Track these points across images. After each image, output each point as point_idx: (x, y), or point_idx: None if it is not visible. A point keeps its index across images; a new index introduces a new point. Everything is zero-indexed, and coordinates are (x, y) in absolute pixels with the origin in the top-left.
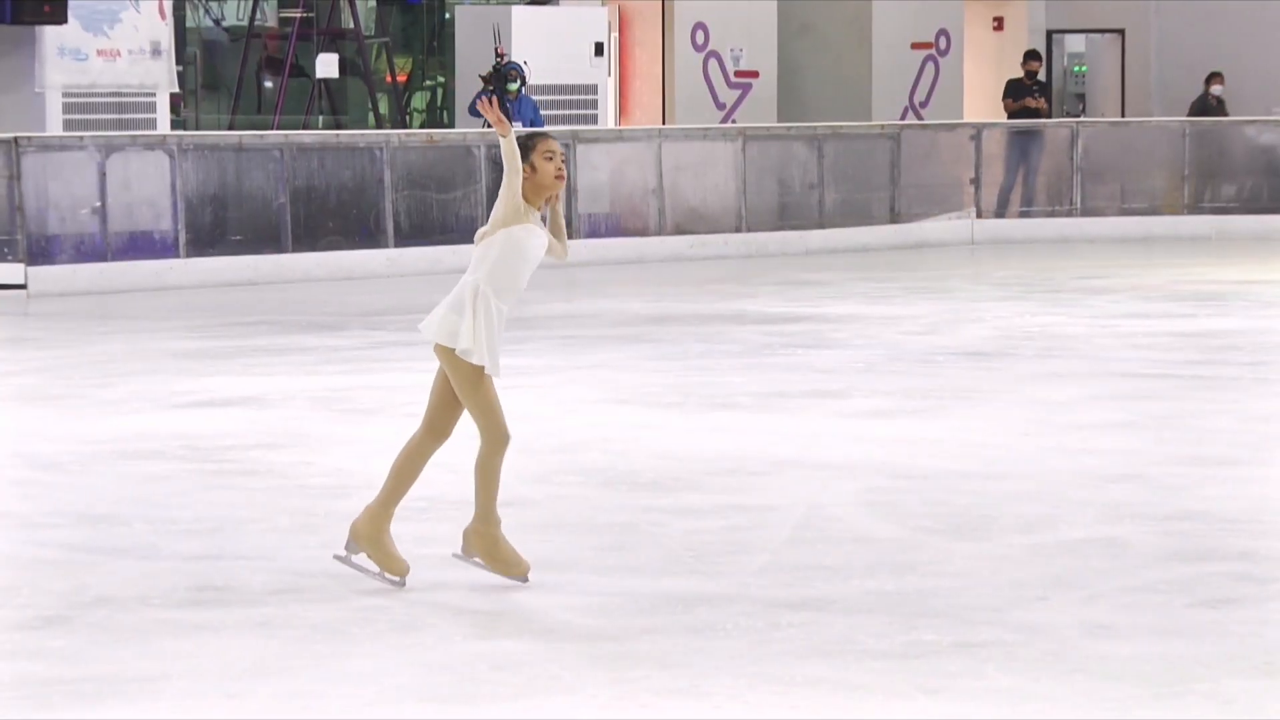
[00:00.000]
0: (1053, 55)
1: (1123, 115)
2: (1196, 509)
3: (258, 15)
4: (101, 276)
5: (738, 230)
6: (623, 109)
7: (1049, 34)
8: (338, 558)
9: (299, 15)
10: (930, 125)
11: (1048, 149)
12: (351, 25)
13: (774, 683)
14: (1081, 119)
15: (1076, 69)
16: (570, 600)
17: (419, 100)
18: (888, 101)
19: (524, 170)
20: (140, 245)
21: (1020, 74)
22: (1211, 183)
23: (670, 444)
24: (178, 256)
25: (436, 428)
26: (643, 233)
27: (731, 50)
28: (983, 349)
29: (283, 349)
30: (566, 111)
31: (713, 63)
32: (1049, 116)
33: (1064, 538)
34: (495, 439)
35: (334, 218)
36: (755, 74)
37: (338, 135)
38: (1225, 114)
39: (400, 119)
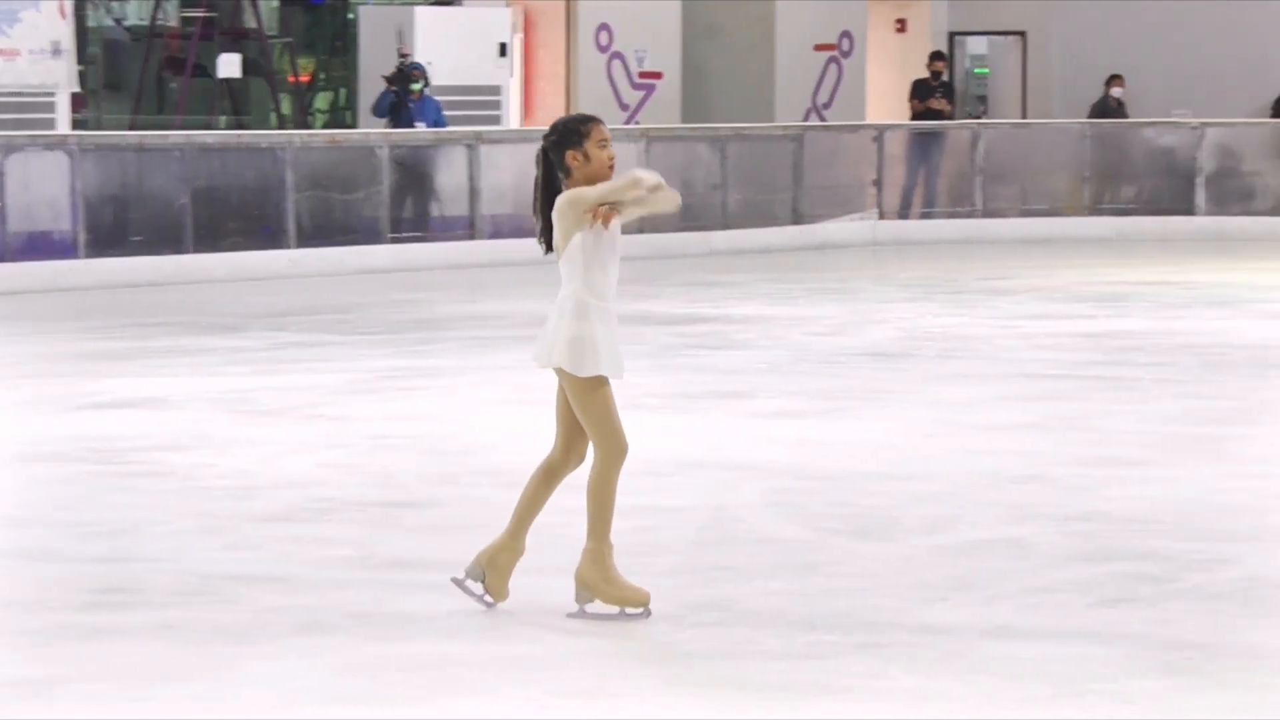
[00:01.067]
0: (955, 57)
1: (1024, 117)
2: (1098, 509)
3: (159, 15)
4: (0, 277)
5: (641, 231)
6: (526, 110)
7: (951, 36)
8: (571, 615)
9: (201, 15)
10: (833, 126)
11: (950, 150)
12: (254, 25)
13: (679, 683)
14: (983, 120)
15: (978, 71)
16: (474, 602)
17: (322, 101)
18: (791, 103)
19: (575, 158)
20: (39, 246)
21: (926, 74)
22: (1112, 184)
23: None
24: (78, 257)
25: (576, 447)
26: None
27: (635, 51)
28: (887, 350)
29: (185, 350)
30: (470, 112)
31: (616, 64)
32: (953, 118)
33: (967, 538)
34: (614, 451)
35: (236, 218)
36: (659, 75)
37: (240, 136)
38: (1125, 116)
39: (303, 119)
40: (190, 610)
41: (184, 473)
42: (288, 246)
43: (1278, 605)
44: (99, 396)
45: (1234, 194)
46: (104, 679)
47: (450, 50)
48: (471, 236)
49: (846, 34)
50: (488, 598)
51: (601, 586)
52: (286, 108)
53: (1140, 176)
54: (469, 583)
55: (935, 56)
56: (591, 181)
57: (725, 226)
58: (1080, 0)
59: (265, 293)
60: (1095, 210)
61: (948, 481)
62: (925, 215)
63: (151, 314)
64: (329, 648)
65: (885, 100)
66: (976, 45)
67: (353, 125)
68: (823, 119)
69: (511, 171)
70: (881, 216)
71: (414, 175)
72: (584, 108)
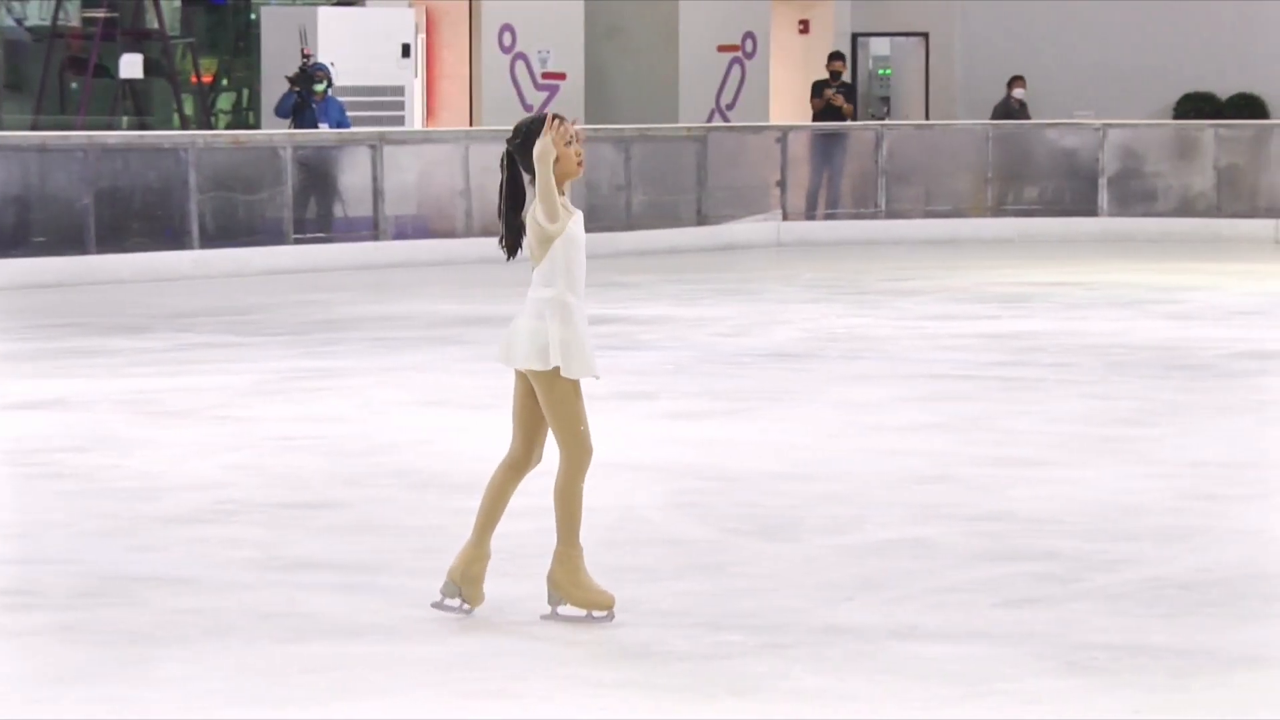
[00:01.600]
0: (858, 58)
1: (927, 118)
2: (1002, 509)
3: (61, 15)
4: None
5: None
6: (430, 110)
7: (854, 37)
8: (545, 617)
9: (103, 15)
10: (737, 127)
11: (853, 151)
12: (156, 25)
13: (584, 684)
14: (886, 122)
15: (881, 72)
16: (380, 603)
17: (224, 101)
18: (695, 104)
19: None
20: None
21: (825, 75)
22: (1015, 185)
23: (482, 446)
24: None
25: (536, 445)
26: (451, 234)
27: (539, 52)
28: (791, 350)
29: (89, 351)
30: (373, 113)
31: (520, 64)
32: (854, 118)
33: (871, 539)
34: (581, 455)
35: (139, 219)
36: (563, 76)
37: (142, 136)
38: (1028, 117)
39: (205, 120)
40: (94, 612)
41: (88, 474)
42: (192, 247)
43: (1181, 605)
44: (2, 398)
45: (1136, 195)
46: (6, 681)
47: (353, 51)
48: (376, 237)
49: (749, 35)
50: (465, 605)
51: (570, 589)
52: (189, 108)
53: (1043, 177)
54: (446, 601)
55: (834, 57)
56: (561, 179)
57: (629, 228)
58: (982, 1)
59: (170, 294)
60: (998, 211)
61: (853, 482)
62: (829, 216)
63: (55, 315)
64: (235, 649)
65: (789, 101)
66: (879, 46)
67: (256, 126)
68: (726, 120)
69: (415, 172)
70: (786, 217)
71: (318, 176)
72: (487, 109)
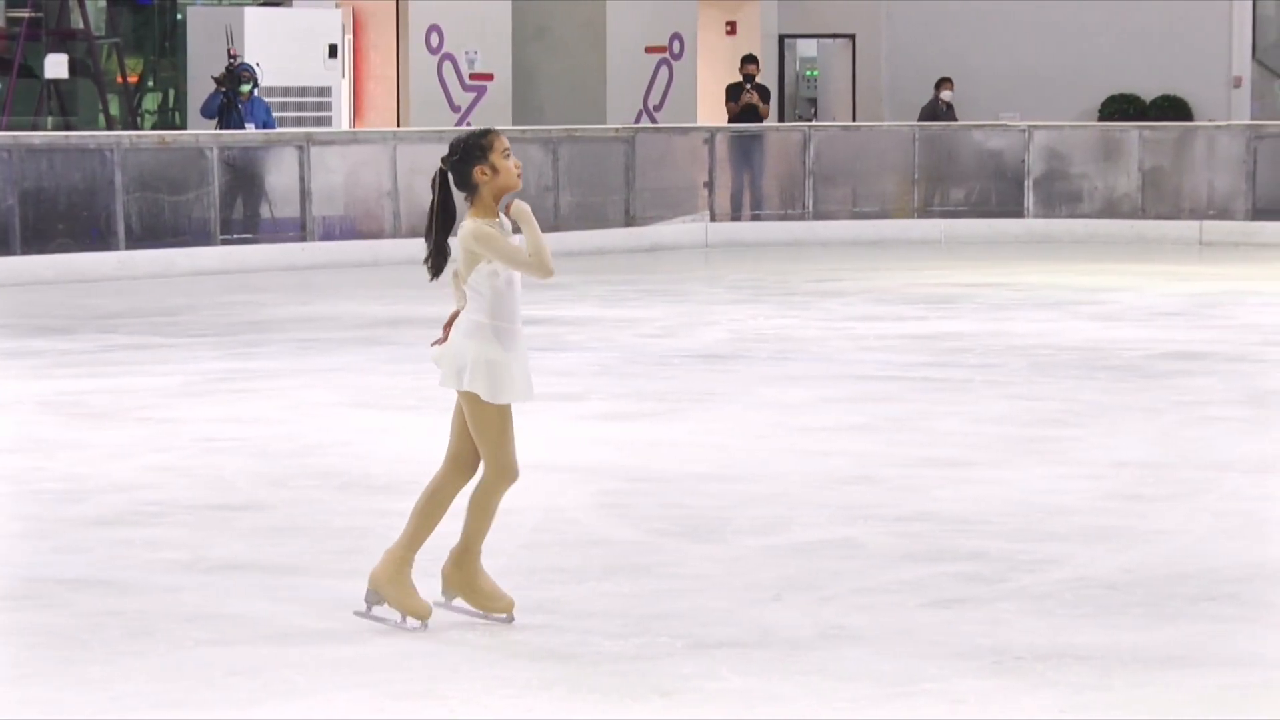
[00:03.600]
0: (785, 60)
1: (854, 120)
2: (928, 510)
3: None
4: None
5: None
6: (357, 111)
7: (781, 38)
8: (358, 614)
9: (27, 15)
10: (664, 129)
11: (780, 153)
12: (81, 25)
13: (510, 685)
14: (813, 123)
15: (808, 73)
16: (306, 604)
17: (150, 101)
18: (622, 105)
19: (484, 174)
20: None
21: (739, 78)
22: (941, 186)
23: (407, 447)
24: None
25: (462, 462)
26: (378, 235)
27: (466, 53)
28: (718, 351)
29: (13, 353)
30: (300, 114)
31: (447, 65)
32: (766, 117)
33: (798, 539)
34: (501, 473)
35: (64, 220)
36: (490, 76)
37: (67, 136)
38: (954, 119)
39: (131, 120)
40: (19, 614)
41: (12, 476)
42: (117, 248)
43: (1105, 605)
44: None
45: (1061, 196)
46: None
47: (280, 51)
48: (303, 238)
49: (677, 36)
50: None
51: (388, 588)
52: (115, 108)
53: (969, 179)
54: (375, 610)
55: (747, 60)
56: (500, 194)
57: (557, 228)
58: (909, 3)
59: (95, 294)
60: (924, 212)
61: (779, 482)
62: (756, 217)
63: None
64: (160, 651)
65: (716, 102)
66: (806, 48)
67: (182, 126)
68: (654, 121)
69: (342, 173)
70: (713, 218)
71: (244, 177)
72: (415, 110)
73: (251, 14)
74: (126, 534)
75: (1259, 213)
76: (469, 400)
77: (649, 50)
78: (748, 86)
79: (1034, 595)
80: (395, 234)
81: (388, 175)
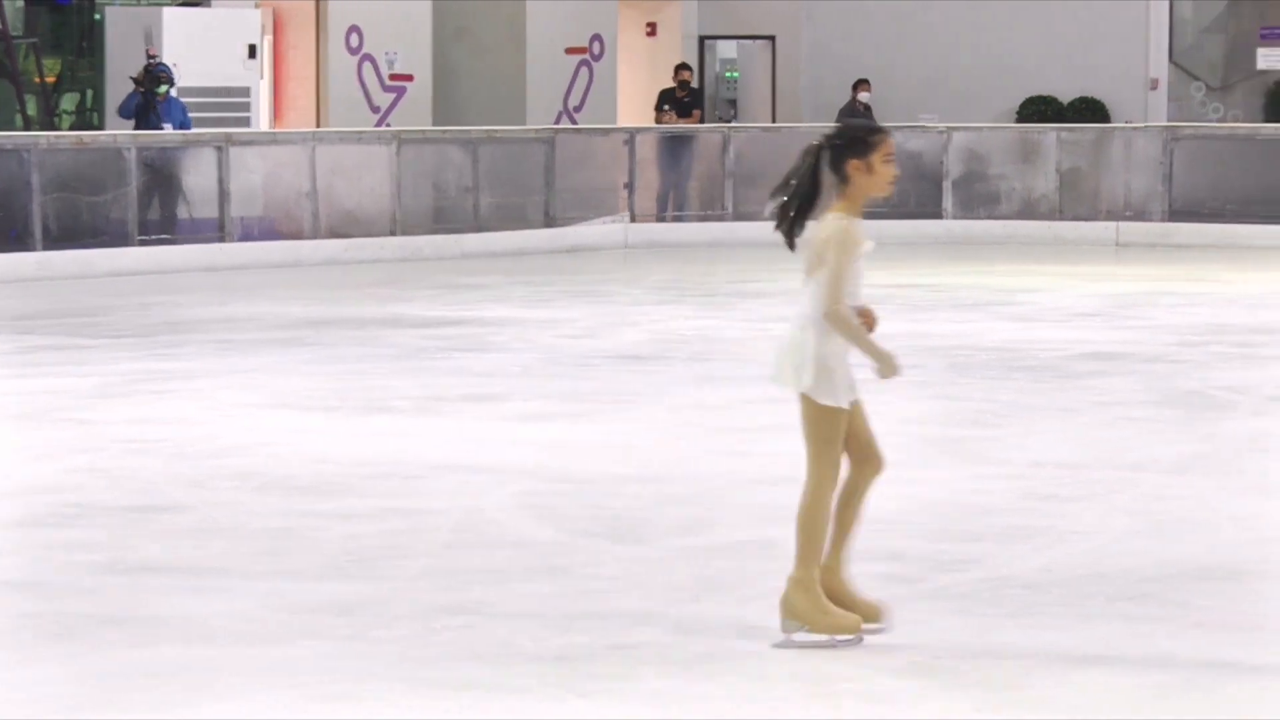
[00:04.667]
0: (705, 61)
1: (774, 121)
2: None
3: None
4: None
5: (393, 234)
6: (277, 112)
7: (701, 40)
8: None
9: None
10: (584, 129)
11: (700, 154)
12: None
13: (431, 686)
14: (733, 124)
15: (727, 75)
16: (227, 605)
17: (68, 102)
18: (542, 105)
19: (858, 168)
20: None
21: (672, 80)
22: None
23: (327, 448)
24: None
25: (862, 457)
26: (298, 236)
27: (386, 54)
28: (639, 352)
29: None
30: (219, 114)
31: (367, 66)
32: (702, 121)
33: (718, 540)
34: (830, 479)
35: None
36: (410, 77)
37: None
38: (873, 120)
39: (48, 121)
40: None
41: None
42: (35, 249)
43: (1024, 605)
44: None
45: (980, 198)
46: None
47: (199, 52)
48: (221, 239)
49: (597, 37)
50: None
51: (813, 615)
52: (32, 109)
53: None
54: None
55: (681, 67)
56: (866, 194)
57: (477, 229)
58: (828, 5)
59: (12, 296)
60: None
61: (699, 483)
62: (676, 218)
63: None
64: (79, 653)
65: (636, 103)
66: (726, 49)
67: (100, 127)
68: (574, 122)
69: (262, 174)
70: (633, 219)
71: (163, 177)
72: (335, 110)
73: (170, 14)
74: (46, 536)
75: (1175, 214)
76: (803, 400)
77: (569, 51)
78: (665, 108)
79: (953, 595)
80: (315, 235)
81: (307, 176)
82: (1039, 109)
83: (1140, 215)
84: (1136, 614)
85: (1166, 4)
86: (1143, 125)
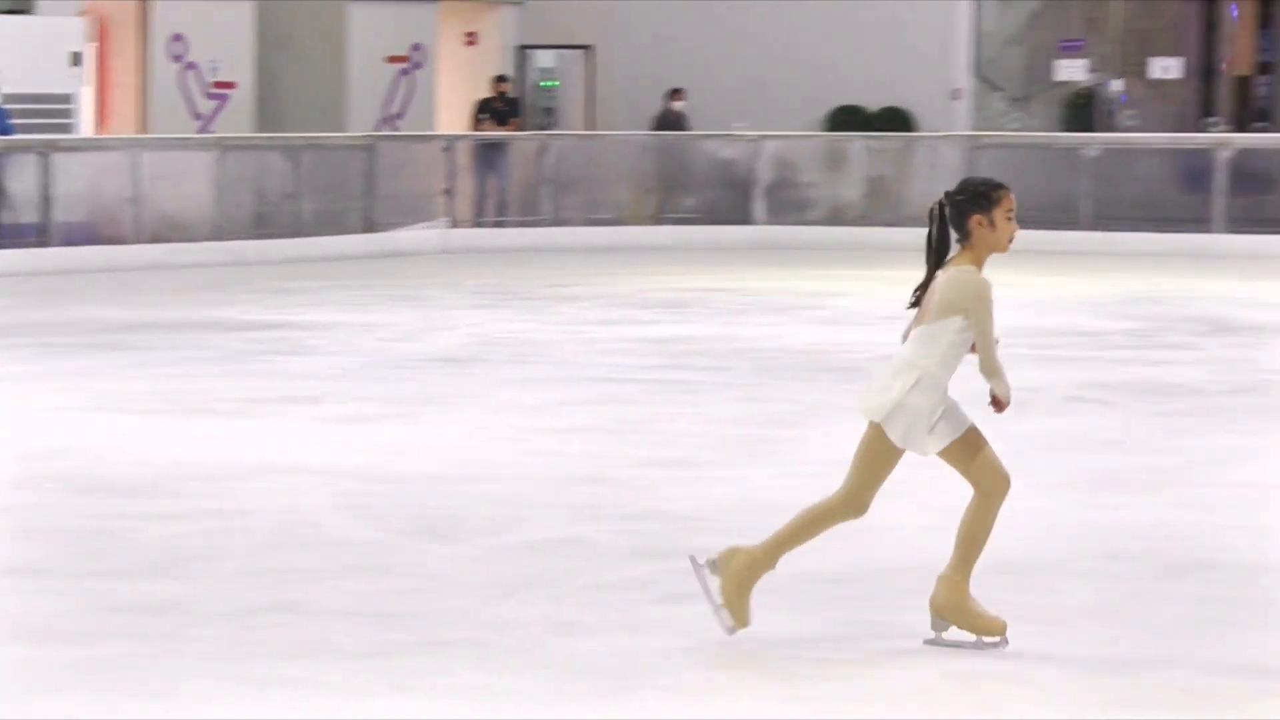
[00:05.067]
0: (524, 70)
1: (591, 129)
2: (659, 509)
3: None
4: None
5: (216, 239)
6: (101, 118)
7: (520, 49)
8: (929, 641)
9: None
10: (405, 136)
11: (519, 160)
12: None
13: (248, 683)
14: (551, 132)
15: (545, 84)
16: (46, 605)
17: None
18: (363, 113)
19: (980, 223)
20: None
21: (491, 89)
22: (673, 194)
23: (147, 450)
24: None
25: (986, 478)
26: (120, 241)
27: (209, 61)
28: (457, 355)
29: None
30: (41, 120)
31: (191, 73)
32: (523, 128)
33: (532, 538)
34: (852, 506)
35: None
36: (233, 85)
37: None
38: (687, 129)
39: None
40: None
41: None
42: None
43: (829, 598)
44: None
45: (789, 204)
46: None
47: (21, 58)
48: (43, 244)
49: (418, 46)
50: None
51: (958, 614)
52: None
53: (701, 187)
54: (944, 636)
55: (499, 79)
56: (989, 250)
57: (298, 234)
58: (644, 16)
59: None
60: (658, 219)
61: (514, 483)
62: (495, 224)
63: None
64: None
65: (456, 111)
66: (545, 58)
67: None
68: (395, 129)
69: (84, 179)
70: (453, 225)
71: None
72: (158, 117)
73: None
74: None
75: None
76: (876, 430)
77: (390, 60)
78: (484, 118)
79: (761, 589)
80: (137, 239)
81: (129, 182)
82: (847, 118)
83: None
84: None
85: (970, 18)
86: (946, 134)
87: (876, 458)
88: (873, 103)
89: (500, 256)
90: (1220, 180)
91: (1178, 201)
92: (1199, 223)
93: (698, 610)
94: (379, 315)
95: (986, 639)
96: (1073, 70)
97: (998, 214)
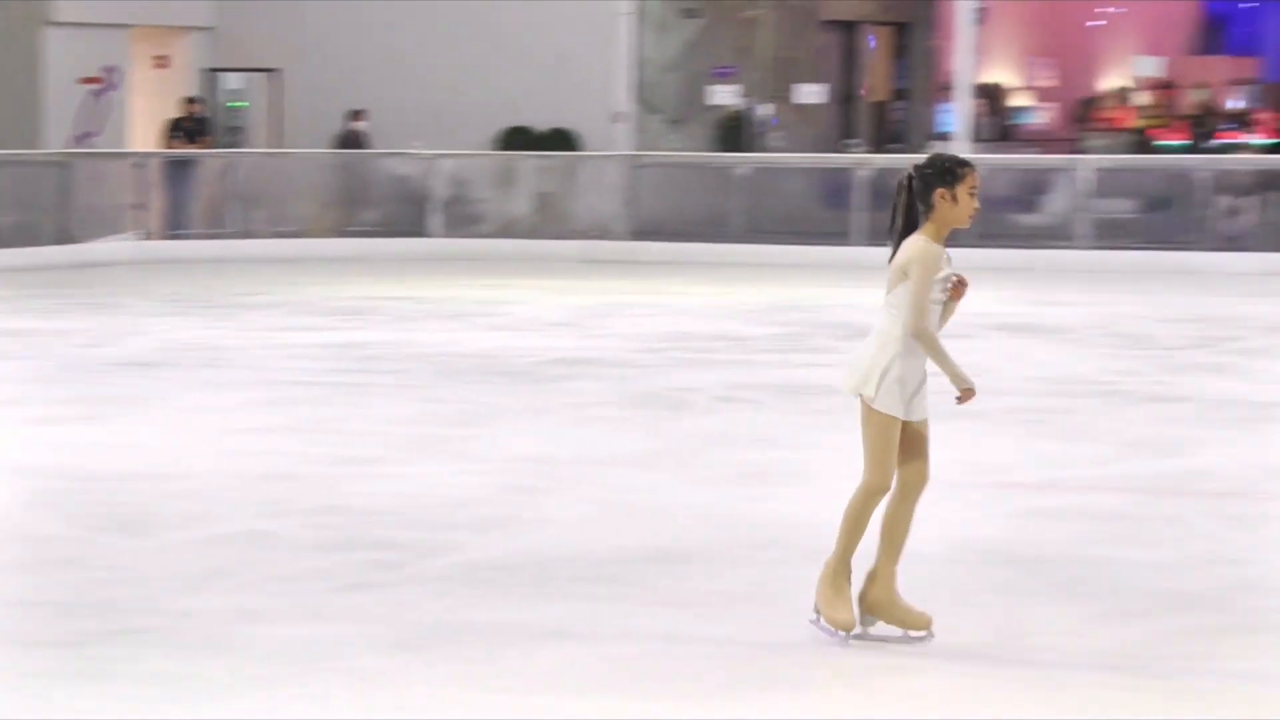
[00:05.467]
0: (214, 91)
1: (277, 147)
2: (341, 504)
3: None
4: None
5: None
6: None
7: (210, 71)
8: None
9: None
10: (98, 153)
11: (208, 176)
12: None
13: None
14: (239, 150)
15: (233, 104)
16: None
17: None
18: (58, 131)
19: (943, 197)
20: None
21: (180, 111)
22: (354, 209)
23: None
24: None
25: (910, 472)
26: None
27: None
28: (149, 360)
29: None
30: None
31: None
32: (212, 147)
33: (218, 532)
34: (877, 486)
35: None
36: None
37: None
38: (367, 147)
39: None
40: None
41: None
42: None
43: (495, 586)
44: None
45: (463, 218)
46: None
47: None
48: None
49: (111, 68)
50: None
51: (823, 603)
52: None
53: (380, 202)
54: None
55: (189, 100)
56: (950, 223)
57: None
58: (327, 41)
59: None
60: (340, 232)
61: (202, 480)
62: (185, 236)
63: None
64: None
65: (148, 129)
66: (234, 80)
67: None
68: (90, 147)
69: None
70: (147, 237)
71: None
72: None
73: None
74: None
75: (637, 233)
76: (862, 406)
77: (83, 81)
78: (177, 135)
79: (434, 578)
80: None
81: None
82: (517, 138)
83: (606, 235)
84: (600, 593)
85: (631, 46)
86: (608, 154)
87: (879, 434)
88: (541, 124)
89: (191, 267)
90: (859, 197)
91: (821, 217)
92: (839, 236)
93: (378, 598)
94: (72, 322)
95: (913, 633)
96: (725, 95)
97: (961, 190)
